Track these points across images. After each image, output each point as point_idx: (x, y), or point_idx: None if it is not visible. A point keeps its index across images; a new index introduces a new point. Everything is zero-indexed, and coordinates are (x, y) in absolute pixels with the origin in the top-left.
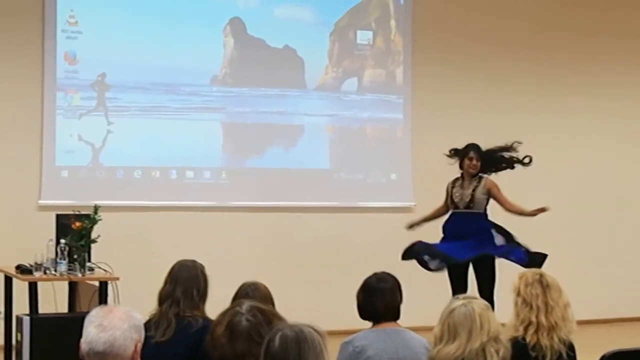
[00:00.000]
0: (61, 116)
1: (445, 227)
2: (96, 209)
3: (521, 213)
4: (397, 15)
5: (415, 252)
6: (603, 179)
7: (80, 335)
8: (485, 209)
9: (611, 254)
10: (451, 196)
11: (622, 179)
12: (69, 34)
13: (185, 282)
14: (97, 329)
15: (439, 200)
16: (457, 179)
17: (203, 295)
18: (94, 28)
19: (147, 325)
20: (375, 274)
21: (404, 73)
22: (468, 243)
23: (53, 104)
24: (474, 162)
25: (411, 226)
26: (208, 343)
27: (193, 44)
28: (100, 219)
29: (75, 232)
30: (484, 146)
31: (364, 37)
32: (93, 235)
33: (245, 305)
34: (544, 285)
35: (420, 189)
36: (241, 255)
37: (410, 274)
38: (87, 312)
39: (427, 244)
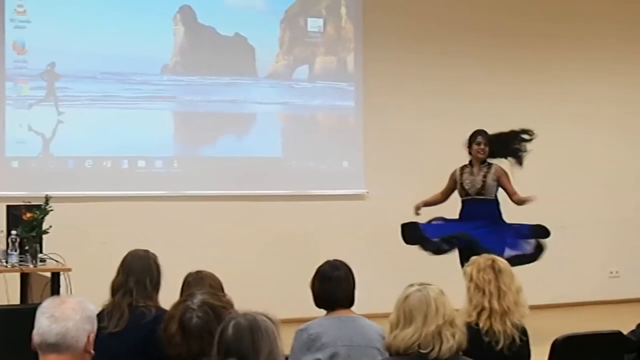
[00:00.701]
0: (10, 106)
1: (460, 216)
2: (47, 199)
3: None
4: (348, 2)
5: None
6: (553, 164)
7: (32, 327)
8: (496, 195)
9: (564, 239)
10: (461, 183)
11: (573, 165)
12: (17, 24)
13: (138, 272)
14: (49, 320)
15: (392, 187)
16: (465, 166)
17: (156, 285)
18: (43, 17)
19: (100, 316)
20: (328, 262)
21: (355, 60)
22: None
23: (2, 94)
24: (482, 146)
25: (417, 209)
26: (162, 339)
27: (143, 33)
28: (51, 210)
29: (26, 223)
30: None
31: (314, 24)
32: (44, 226)
33: (197, 299)
34: (496, 270)
35: (373, 176)
36: (194, 244)
37: (361, 261)
38: (39, 304)
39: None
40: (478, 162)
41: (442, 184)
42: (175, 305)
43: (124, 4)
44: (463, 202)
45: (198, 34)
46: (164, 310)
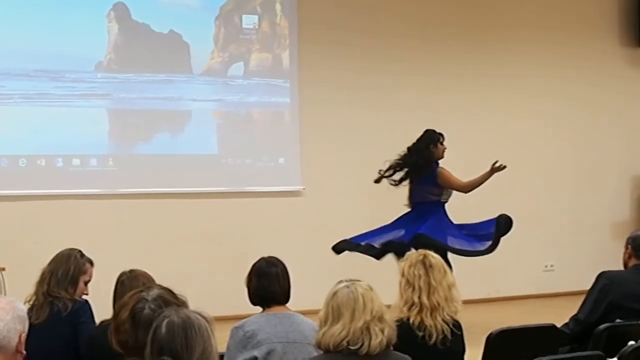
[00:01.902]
0: None
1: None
2: None
3: None
4: None
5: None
6: (487, 158)
7: None
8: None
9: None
10: None
11: (507, 159)
12: None
13: (55, 263)
14: None
15: (328, 183)
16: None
17: (72, 280)
18: None
19: (28, 311)
20: (263, 259)
21: (290, 56)
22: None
23: None
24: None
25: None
26: (112, 325)
27: (77, 30)
28: None
29: None
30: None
31: (249, 21)
32: None
33: (153, 292)
34: (426, 266)
35: (309, 172)
36: (129, 242)
37: (297, 257)
38: None
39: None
40: None
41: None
42: (131, 295)
43: (57, 1)
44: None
45: (132, 31)
46: (83, 302)
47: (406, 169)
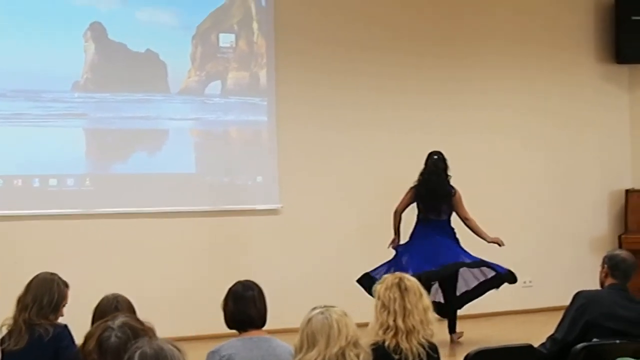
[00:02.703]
0: None
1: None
2: None
3: None
4: (259, 17)
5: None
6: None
7: None
8: None
9: (478, 249)
10: None
11: (486, 174)
12: None
13: (37, 290)
14: None
15: (306, 201)
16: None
17: (54, 307)
18: None
19: (4, 337)
20: (240, 282)
21: (267, 75)
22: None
23: None
24: None
25: None
26: (80, 355)
27: (53, 50)
28: None
29: None
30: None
31: (226, 39)
32: None
33: (118, 320)
34: (402, 289)
35: (287, 190)
36: (107, 262)
37: (273, 276)
38: None
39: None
40: None
41: (356, 197)
42: (98, 325)
43: (33, 22)
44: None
45: (109, 50)
46: (62, 325)
47: (430, 193)
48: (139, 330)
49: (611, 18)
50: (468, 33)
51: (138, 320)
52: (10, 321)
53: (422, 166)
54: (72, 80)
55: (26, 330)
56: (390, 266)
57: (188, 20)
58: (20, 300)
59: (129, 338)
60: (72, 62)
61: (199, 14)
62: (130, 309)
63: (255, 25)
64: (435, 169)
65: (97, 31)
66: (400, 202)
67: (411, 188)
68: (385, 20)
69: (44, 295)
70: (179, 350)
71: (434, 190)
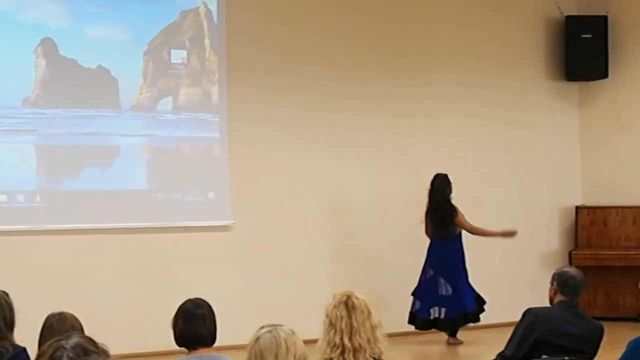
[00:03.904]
0: None
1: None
2: None
3: None
4: (211, 33)
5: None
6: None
7: None
8: None
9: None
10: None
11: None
12: None
13: None
14: None
15: (258, 217)
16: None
17: (10, 324)
18: None
19: None
20: (189, 300)
21: (219, 92)
22: None
23: None
24: None
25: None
26: None
27: (3, 66)
28: None
29: None
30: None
31: (178, 56)
32: None
33: (72, 340)
34: (349, 307)
35: (238, 207)
36: (57, 279)
37: (225, 292)
38: None
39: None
40: None
41: (308, 215)
42: (50, 344)
43: None
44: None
45: (60, 66)
46: (22, 348)
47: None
48: (92, 352)
49: (561, 36)
50: (425, 46)
51: (92, 340)
52: None
53: (367, 185)
54: (23, 96)
55: None
56: None
57: (139, 36)
58: None
59: (80, 359)
60: (23, 78)
61: (150, 30)
62: (77, 327)
63: (207, 42)
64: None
65: (48, 47)
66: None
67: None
68: (339, 37)
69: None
70: None
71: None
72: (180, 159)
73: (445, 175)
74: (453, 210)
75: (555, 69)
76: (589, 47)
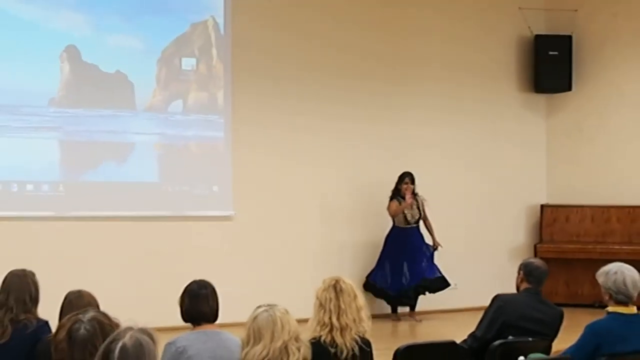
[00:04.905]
0: None
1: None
2: None
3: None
4: (218, 44)
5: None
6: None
7: None
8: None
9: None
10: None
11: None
12: None
13: (18, 291)
14: None
15: (257, 209)
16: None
17: (35, 300)
18: None
19: None
20: (195, 281)
21: (224, 95)
22: None
23: None
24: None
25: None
26: (51, 343)
27: (32, 69)
28: None
29: None
30: None
31: (188, 63)
32: None
33: (88, 314)
34: (337, 290)
35: (239, 199)
36: (77, 261)
37: (226, 275)
38: None
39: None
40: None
41: (302, 208)
42: (69, 317)
43: (15, 43)
44: (400, 229)
45: (82, 70)
46: (44, 321)
47: None
48: (106, 325)
49: (531, 53)
50: (406, 58)
51: (106, 315)
52: None
53: (365, 180)
54: (49, 96)
55: (11, 326)
56: None
57: (154, 45)
58: (3, 303)
59: (96, 331)
60: (49, 81)
61: (164, 39)
62: (93, 303)
63: (214, 51)
64: None
65: (72, 53)
66: None
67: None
68: (337, 46)
69: (24, 293)
70: (152, 338)
71: None
72: (189, 156)
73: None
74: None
75: (524, 82)
76: (556, 63)
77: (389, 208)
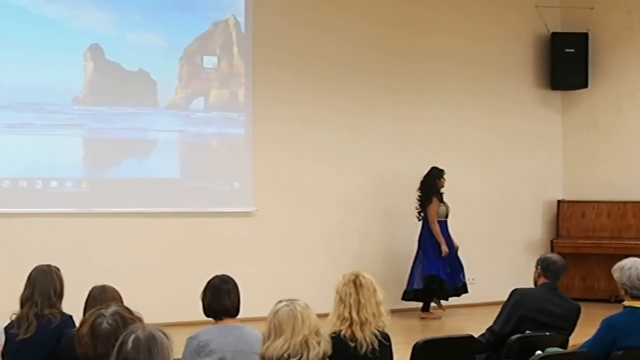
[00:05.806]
0: None
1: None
2: None
3: None
4: (239, 42)
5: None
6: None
7: None
8: None
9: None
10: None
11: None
12: None
13: (43, 286)
14: None
15: (277, 205)
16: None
17: (59, 295)
18: None
19: (11, 324)
20: (217, 276)
21: (245, 93)
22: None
23: None
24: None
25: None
26: (76, 337)
27: (57, 67)
28: None
29: None
30: None
31: (209, 61)
32: None
33: (110, 309)
34: (357, 285)
35: (260, 195)
36: (101, 256)
37: (247, 270)
38: None
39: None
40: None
41: (323, 204)
42: (92, 312)
43: (40, 42)
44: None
45: (106, 68)
46: (69, 316)
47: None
48: (128, 319)
49: (547, 50)
50: (424, 55)
51: (128, 309)
52: (19, 316)
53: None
54: (73, 94)
55: (35, 321)
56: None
57: (176, 43)
58: (28, 298)
59: (118, 325)
60: (73, 79)
61: (186, 38)
62: (116, 297)
63: (235, 50)
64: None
65: (95, 52)
66: None
67: None
68: (355, 43)
69: (49, 288)
70: (166, 335)
71: None
72: (210, 152)
73: (437, 169)
74: (429, 198)
75: (541, 79)
76: (572, 60)
77: (431, 208)
